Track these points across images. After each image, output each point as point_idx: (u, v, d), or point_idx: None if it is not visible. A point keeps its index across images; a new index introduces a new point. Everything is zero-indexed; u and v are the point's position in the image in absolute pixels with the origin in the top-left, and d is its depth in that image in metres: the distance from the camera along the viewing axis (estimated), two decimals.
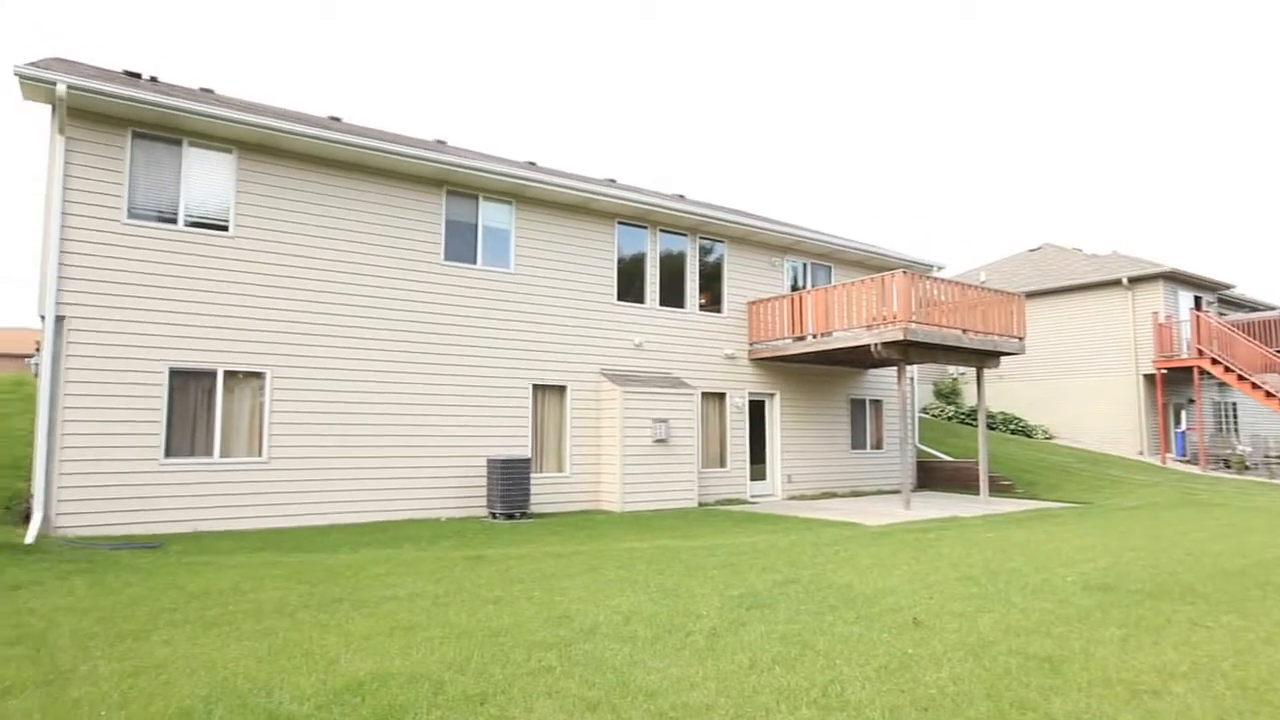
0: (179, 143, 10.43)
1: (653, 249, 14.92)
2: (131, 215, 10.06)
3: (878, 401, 18.29)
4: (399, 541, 9.24)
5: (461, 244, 12.69)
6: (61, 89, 9.15)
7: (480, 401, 12.57)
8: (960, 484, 18.20)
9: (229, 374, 10.59)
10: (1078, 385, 25.14)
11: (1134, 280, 23.94)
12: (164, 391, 10.05)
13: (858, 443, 17.76)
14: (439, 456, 12.04)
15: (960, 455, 19.75)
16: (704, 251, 15.69)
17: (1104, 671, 4.13)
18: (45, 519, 9.15)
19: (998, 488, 17.35)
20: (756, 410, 16.28)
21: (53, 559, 7.62)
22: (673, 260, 15.21)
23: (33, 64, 9.21)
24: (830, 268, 17.69)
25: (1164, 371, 22.99)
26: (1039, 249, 29.29)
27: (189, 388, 10.30)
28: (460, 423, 12.32)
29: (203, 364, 10.36)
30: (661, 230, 15.08)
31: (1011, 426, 25.36)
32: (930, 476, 18.84)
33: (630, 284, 14.59)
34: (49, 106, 9.64)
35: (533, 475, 12.93)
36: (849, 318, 14.21)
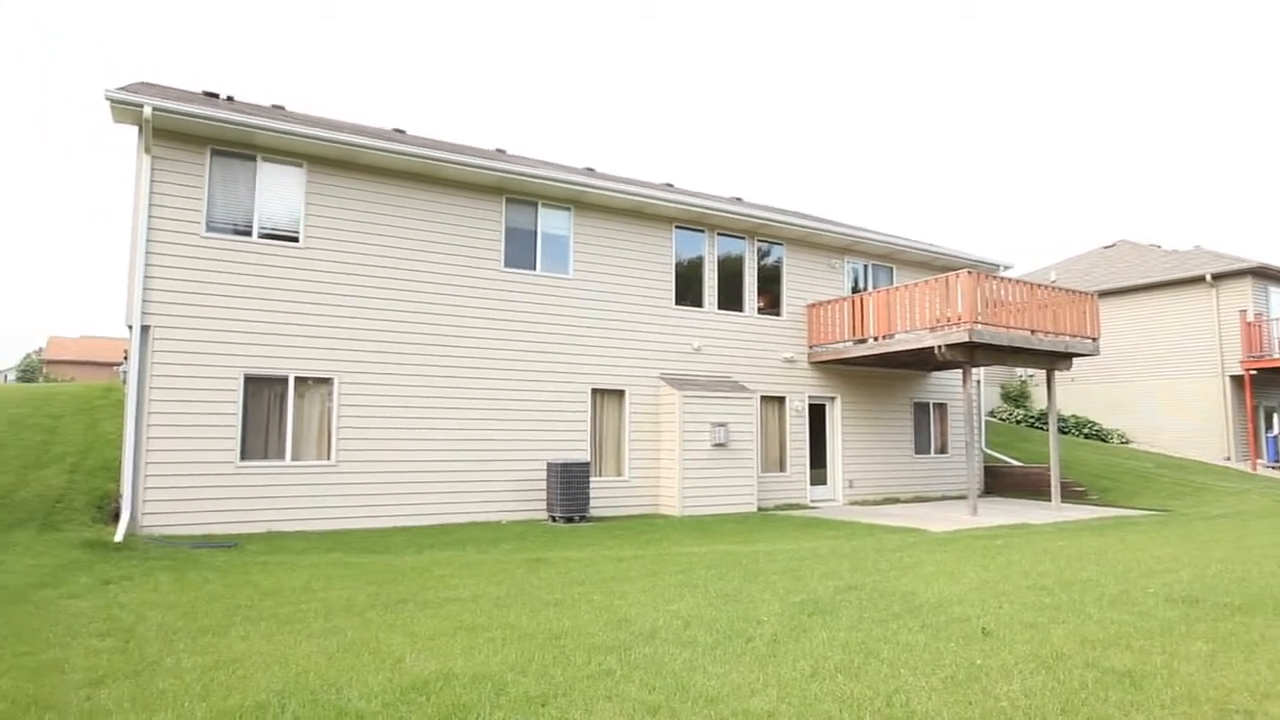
0: (253, 158, 10.86)
1: (710, 252, 14.88)
2: (210, 229, 10.51)
3: (942, 405, 17.84)
4: (461, 544, 9.40)
5: (521, 250, 12.87)
6: (148, 111, 9.61)
7: (540, 406, 12.71)
8: (1030, 490, 17.62)
9: (299, 380, 10.94)
10: (1157, 387, 24.07)
11: (1218, 277, 22.81)
12: (239, 397, 10.45)
13: (921, 447, 17.36)
14: (499, 460, 12.22)
15: (1029, 460, 19.12)
16: (762, 254, 15.58)
17: (1189, 689, 3.93)
18: (132, 518, 9.61)
19: (1070, 494, 16.73)
20: (817, 414, 16.06)
21: (139, 556, 8.00)
22: (731, 263, 15.14)
23: (122, 89, 9.70)
24: (892, 269, 17.35)
25: (1253, 373, 21.84)
26: (1113, 246, 28.18)
27: (262, 393, 10.69)
28: (520, 427, 12.48)
29: (275, 370, 10.75)
30: (719, 233, 15.02)
31: (1085, 430, 24.43)
32: (998, 482, 18.29)
33: (688, 288, 14.57)
34: (135, 128, 10.11)
35: (591, 479, 13.00)
36: (911, 319, 13.91)
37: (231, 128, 10.38)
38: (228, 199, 10.66)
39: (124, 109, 9.64)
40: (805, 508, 14.98)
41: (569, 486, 11.93)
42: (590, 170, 15.84)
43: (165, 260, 10.15)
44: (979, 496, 17.44)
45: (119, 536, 9.02)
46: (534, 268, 12.96)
